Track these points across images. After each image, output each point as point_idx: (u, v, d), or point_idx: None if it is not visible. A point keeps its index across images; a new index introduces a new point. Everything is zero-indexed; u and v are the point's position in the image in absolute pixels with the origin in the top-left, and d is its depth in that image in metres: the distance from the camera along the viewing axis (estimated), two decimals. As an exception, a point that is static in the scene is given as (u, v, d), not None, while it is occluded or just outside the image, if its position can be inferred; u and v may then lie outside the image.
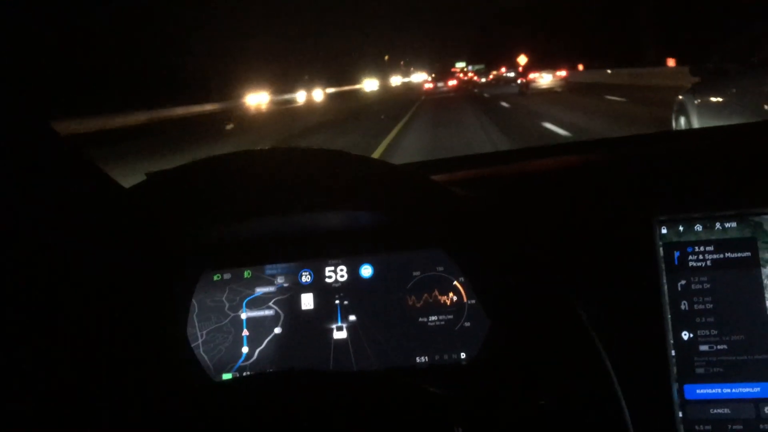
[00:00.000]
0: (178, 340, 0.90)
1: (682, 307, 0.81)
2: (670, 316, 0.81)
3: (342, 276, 0.92)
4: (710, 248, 0.81)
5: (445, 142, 10.17)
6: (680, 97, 5.56)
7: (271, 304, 0.92)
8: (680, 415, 0.79)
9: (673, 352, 0.80)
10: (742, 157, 0.87)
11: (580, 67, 33.58)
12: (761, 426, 0.77)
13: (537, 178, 0.98)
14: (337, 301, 0.91)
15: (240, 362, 0.91)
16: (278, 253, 0.93)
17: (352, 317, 0.91)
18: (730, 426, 0.78)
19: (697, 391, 0.79)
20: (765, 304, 0.79)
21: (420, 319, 0.89)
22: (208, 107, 27.24)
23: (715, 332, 0.80)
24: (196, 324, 0.92)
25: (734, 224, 0.81)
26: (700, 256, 0.81)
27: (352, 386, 0.66)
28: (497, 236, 0.77)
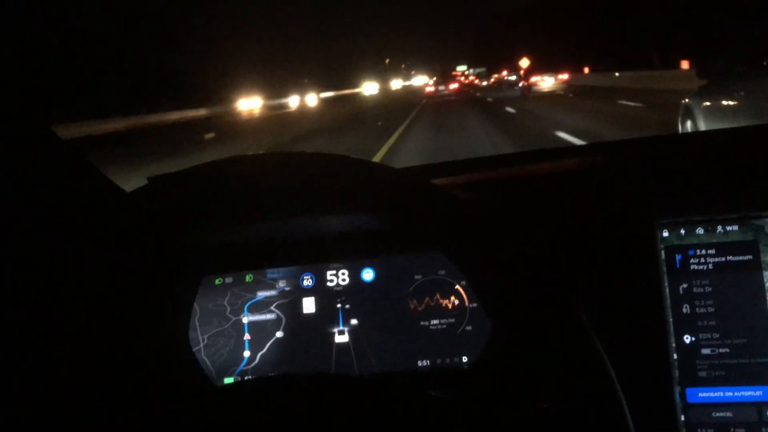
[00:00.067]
0: (179, 344, 0.92)
1: (684, 310, 0.82)
2: (671, 319, 0.82)
3: (344, 279, 0.94)
4: (712, 251, 0.83)
5: (448, 155, 9.49)
6: (686, 100, 5.58)
7: (272, 307, 0.94)
8: (682, 418, 0.80)
9: (675, 356, 0.81)
10: (743, 160, 0.89)
11: (586, 69, 33.55)
12: (763, 429, 0.79)
13: (538, 181, 0.99)
14: (338, 305, 0.93)
15: (242, 366, 0.93)
16: (280, 256, 0.95)
17: (354, 321, 0.92)
18: (732, 429, 0.79)
19: (699, 394, 0.81)
20: (767, 307, 0.81)
21: (422, 323, 0.91)
22: (191, 113, 26.30)
23: (717, 335, 0.81)
24: (198, 328, 0.94)
25: (736, 227, 0.83)
26: (702, 260, 0.83)
27: (354, 390, 0.67)
28: (498, 239, 0.78)
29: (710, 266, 0.83)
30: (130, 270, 0.83)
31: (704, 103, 5.14)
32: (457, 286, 0.92)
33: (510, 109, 17.79)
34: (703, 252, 0.83)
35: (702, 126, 5.06)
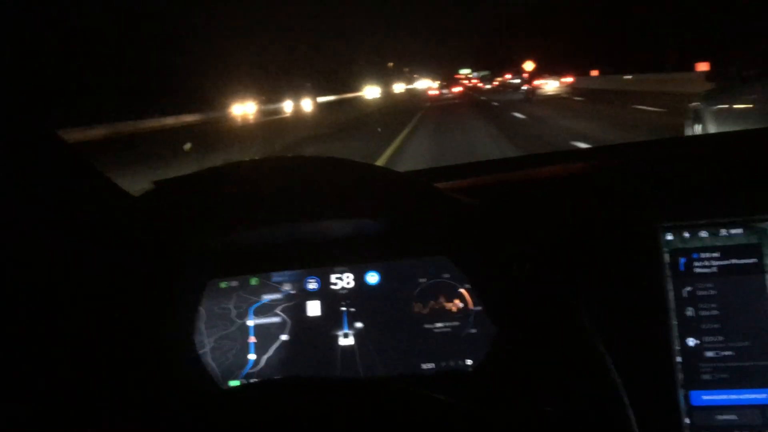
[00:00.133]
0: (184, 346, 0.94)
1: (688, 313, 0.84)
2: (675, 323, 0.84)
3: (348, 283, 0.96)
4: (716, 254, 0.85)
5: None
6: (694, 103, 5.59)
7: (277, 311, 0.96)
8: (687, 421, 0.82)
9: (679, 359, 0.83)
10: (747, 163, 0.91)
11: (594, 72, 33.42)
12: None
13: (542, 184, 1.01)
14: (343, 308, 0.95)
15: (247, 369, 0.95)
16: (284, 260, 0.97)
17: (359, 324, 0.95)
18: None
19: (704, 397, 0.82)
20: (771, 310, 0.83)
21: (426, 326, 0.93)
22: (169, 120, 25.40)
23: (721, 338, 0.83)
24: (204, 331, 0.96)
25: (740, 230, 0.84)
26: (706, 263, 0.85)
27: (358, 393, 0.68)
28: (501, 243, 0.80)
29: (714, 269, 0.84)
30: (132, 272, 0.85)
31: (712, 107, 5.15)
32: (461, 290, 0.94)
33: (519, 115, 17.13)
34: (707, 255, 0.85)
35: (710, 129, 5.06)
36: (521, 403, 0.77)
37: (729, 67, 5.13)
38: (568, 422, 0.72)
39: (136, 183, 0.95)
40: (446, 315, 0.93)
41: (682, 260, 0.85)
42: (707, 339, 0.83)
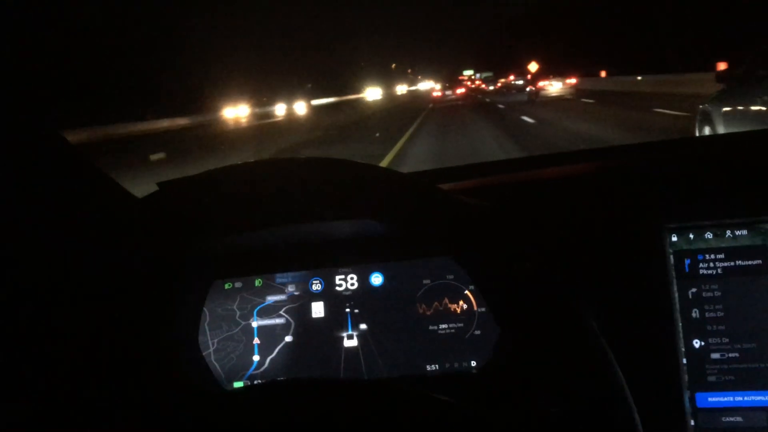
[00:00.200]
0: (187, 347, 0.96)
1: (693, 314, 0.85)
2: (681, 324, 0.85)
3: (352, 284, 0.98)
4: (721, 256, 0.86)
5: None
6: (704, 105, 5.60)
7: (281, 312, 0.98)
8: (692, 423, 0.83)
9: (684, 360, 0.85)
10: (753, 164, 0.92)
11: (603, 73, 33.26)
12: None
13: (546, 185, 1.03)
14: (347, 310, 0.97)
15: (251, 370, 0.97)
16: (288, 261, 0.99)
17: (363, 325, 0.96)
18: None
19: (709, 399, 0.84)
20: (776, 311, 0.84)
21: (430, 327, 0.95)
22: (148, 125, 24.77)
23: (727, 340, 0.84)
24: (208, 332, 0.98)
25: (745, 232, 0.86)
26: (711, 264, 0.86)
27: (362, 395, 0.69)
28: (506, 243, 0.82)
29: (719, 271, 0.86)
30: (134, 272, 0.87)
31: (723, 108, 5.16)
32: (466, 291, 0.95)
33: (527, 119, 16.28)
34: (712, 256, 0.86)
35: (720, 131, 5.08)
36: (526, 403, 0.78)
37: (738, 68, 5.14)
38: (573, 423, 0.73)
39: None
40: (450, 316, 0.95)
41: (687, 261, 0.87)
42: (713, 341, 0.84)
